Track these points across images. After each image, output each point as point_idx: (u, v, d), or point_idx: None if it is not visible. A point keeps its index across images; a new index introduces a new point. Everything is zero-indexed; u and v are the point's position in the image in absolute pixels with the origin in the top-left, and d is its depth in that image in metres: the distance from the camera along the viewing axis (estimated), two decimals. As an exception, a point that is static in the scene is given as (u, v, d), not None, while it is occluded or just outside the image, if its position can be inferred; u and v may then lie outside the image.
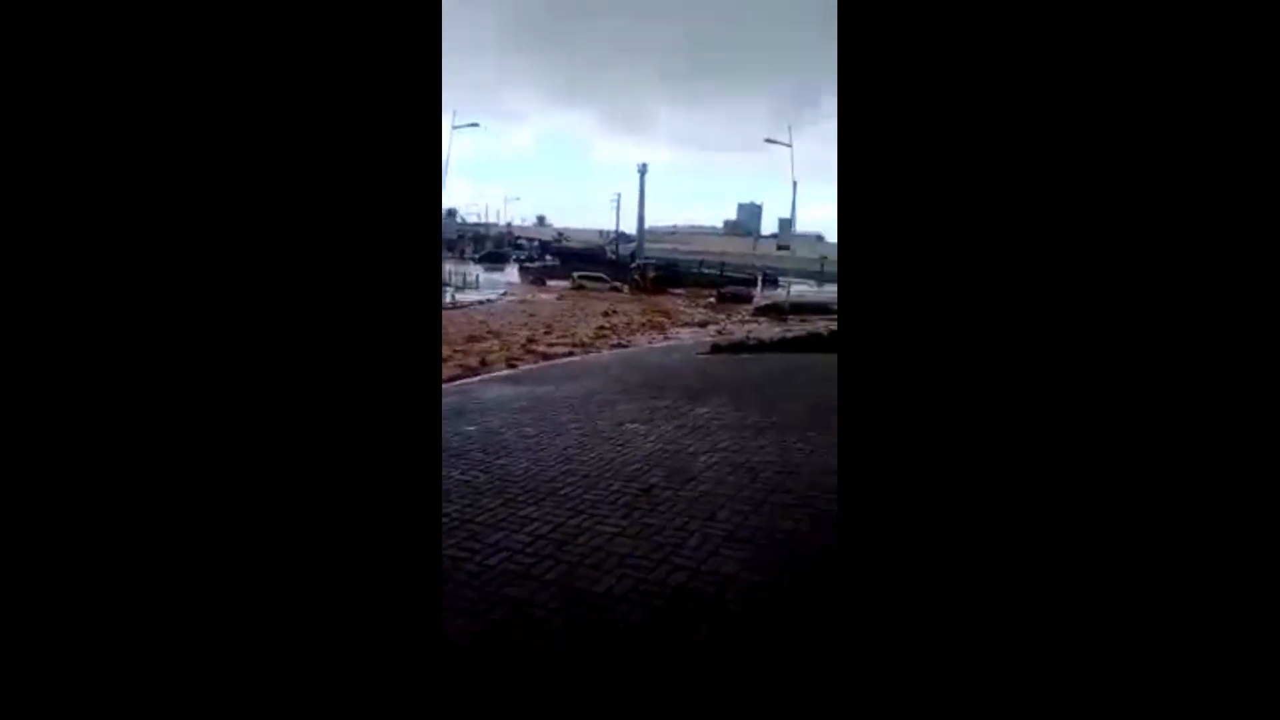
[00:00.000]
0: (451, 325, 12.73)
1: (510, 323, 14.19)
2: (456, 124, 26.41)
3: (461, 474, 3.34)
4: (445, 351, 9.48)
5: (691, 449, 3.85)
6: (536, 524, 2.71)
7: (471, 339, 11.00)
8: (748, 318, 19.04)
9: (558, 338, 11.83)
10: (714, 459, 3.63)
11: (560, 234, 57.07)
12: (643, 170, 44.45)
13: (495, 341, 10.87)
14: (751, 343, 9.70)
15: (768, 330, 13.87)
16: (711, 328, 15.63)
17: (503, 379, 6.80)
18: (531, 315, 16.14)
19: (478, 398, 5.59)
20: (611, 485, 3.19)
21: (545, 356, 9.09)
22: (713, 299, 24.72)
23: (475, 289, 24.14)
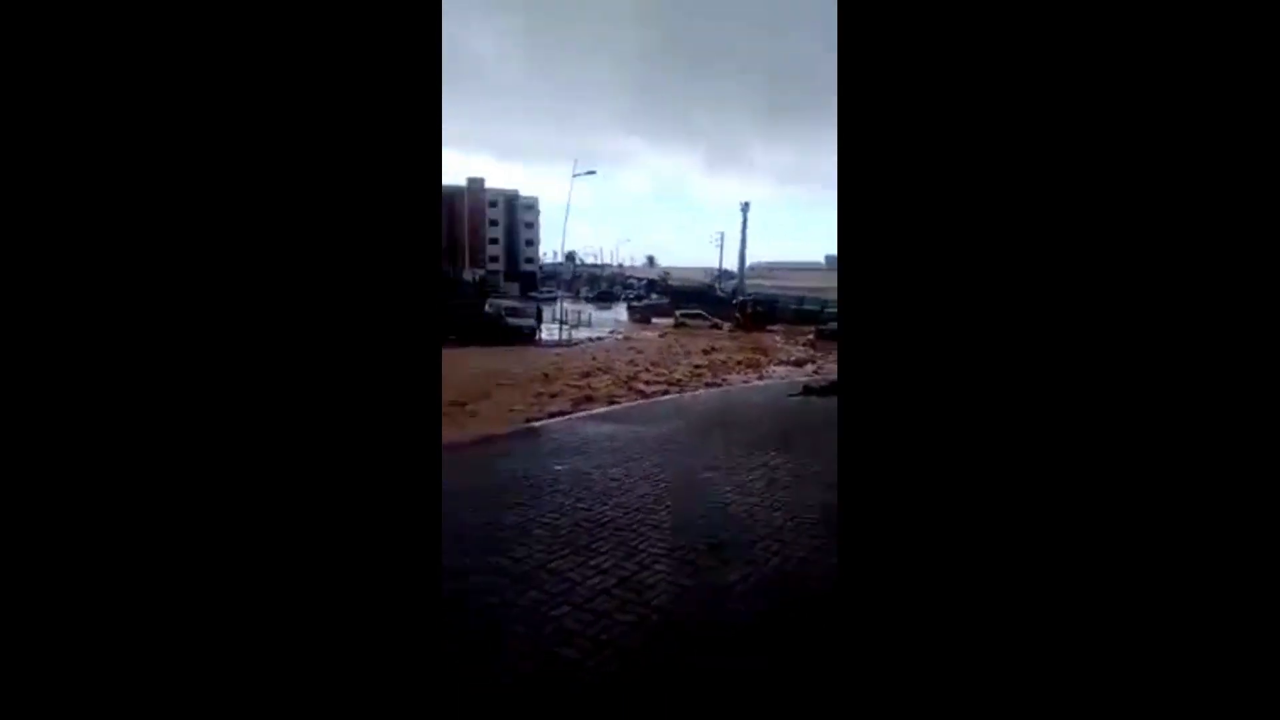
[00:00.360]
0: (569, 362, 13.20)
1: (616, 359, 14.43)
2: (576, 172, 28.57)
3: (543, 516, 3.33)
4: (558, 385, 9.81)
5: (767, 502, 3.59)
6: (603, 577, 2.60)
7: (585, 374, 11.32)
8: (844, 355, 17.96)
9: (656, 375, 11.82)
10: (791, 516, 3.36)
11: (666, 273, 57.83)
12: (745, 208, 44.15)
13: (605, 376, 11.11)
14: (843, 384, 9.07)
15: (863, 369, 12.96)
16: (809, 366, 14.96)
17: (600, 416, 6.84)
18: (639, 352, 16.32)
19: (576, 435, 5.64)
20: (681, 539, 3.03)
21: (643, 394, 9.08)
22: (811, 336, 23.67)
23: (588, 326, 24.94)
